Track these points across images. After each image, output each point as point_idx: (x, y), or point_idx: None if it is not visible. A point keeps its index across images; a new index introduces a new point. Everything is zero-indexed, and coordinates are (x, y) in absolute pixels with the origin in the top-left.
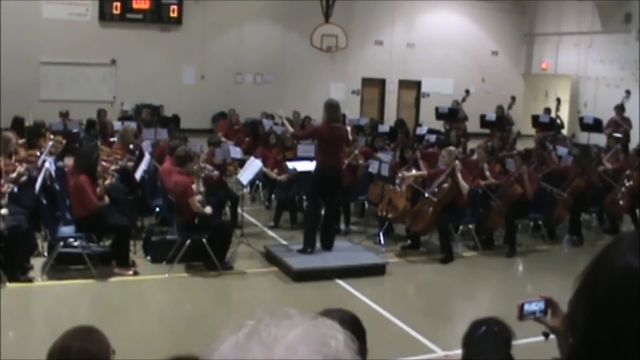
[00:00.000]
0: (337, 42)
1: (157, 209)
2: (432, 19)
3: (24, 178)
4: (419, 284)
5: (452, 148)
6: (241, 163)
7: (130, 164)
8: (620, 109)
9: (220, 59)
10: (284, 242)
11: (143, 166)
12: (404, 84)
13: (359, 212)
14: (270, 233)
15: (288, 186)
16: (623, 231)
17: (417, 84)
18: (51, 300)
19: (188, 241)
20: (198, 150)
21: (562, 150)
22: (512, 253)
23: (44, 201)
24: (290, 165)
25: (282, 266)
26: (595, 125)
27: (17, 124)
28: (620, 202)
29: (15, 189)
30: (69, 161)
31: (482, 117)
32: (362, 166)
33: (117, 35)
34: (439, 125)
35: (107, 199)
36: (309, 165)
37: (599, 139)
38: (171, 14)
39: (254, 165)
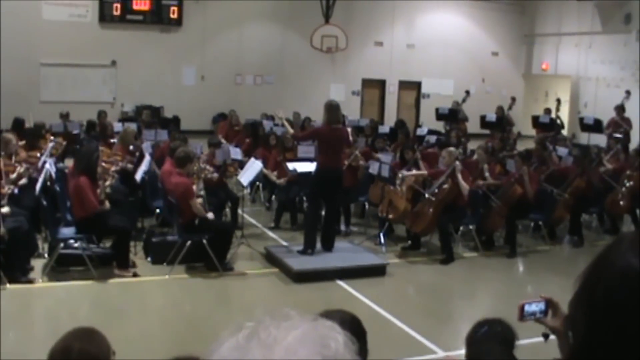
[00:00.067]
0: (337, 43)
1: (158, 210)
2: (432, 19)
3: (24, 180)
4: (419, 285)
5: (452, 149)
6: (241, 164)
7: (130, 165)
8: (620, 109)
9: (220, 59)
10: (285, 243)
11: (143, 167)
12: (404, 85)
13: (359, 213)
14: (271, 234)
15: (288, 187)
16: (623, 231)
17: (417, 85)
18: (52, 302)
19: (188, 242)
20: (198, 152)
21: (562, 151)
22: (512, 254)
23: (45, 202)
24: (291, 166)
25: (283, 267)
26: (596, 126)
27: (18, 125)
28: (621, 203)
29: (16, 190)
30: (69, 162)
31: (483, 117)
32: (362, 167)
33: (117, 37)
34: (439, 126)
35: (107, 204)
36: (309, 166)
37: (599, 140)
38: (171, 15)
39: (254, 167)
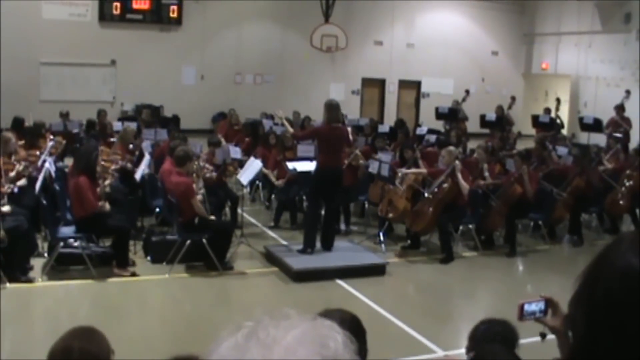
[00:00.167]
0: (337, 42)
1: (157, 210)
2: (432, 19)
3: (23, 181)
4: (419, 284)
5: (452, 148)
6: (241, 163)
7: (130, 165)
8: (620, 108)
9: (220, 59)
10: (284, 243)
11: (143, 166)
12: (404, 84)
13: (359, 212)
14: (270, 233)
15: (288, 186)
16: (623, 231)
17: (417, 84)
18: (51, 301)
19: (188, 241)
20: (198, 151)
21: (562, 150)
22: (512, 253)
23: (44, 202)
24: (290, 165)
25: (282, 266)
26: (595, 125)
27: (17, 125)
28: (621, 202)
29: (16, 190)
30: (69, 162)
31: (482, 117)
32: (362, 166)
33: (117, 36)
34: (439, 126)
35: (107, 206)
36: (309, 166)
37: (599, 139)
38: (171, 15)
39: (254, 166)
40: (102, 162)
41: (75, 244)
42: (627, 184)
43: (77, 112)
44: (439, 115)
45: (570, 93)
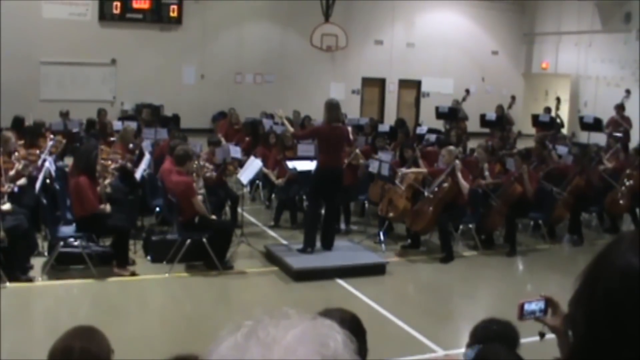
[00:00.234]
0: (337, 42)
1: (157, 209)
2: (432, 18)
3: (23, 180)
4: (419, 284)
5: (452, 147)
6: (241, 163)
7: (129, 165)
8: (620, 108)
9: (220, 58)
10: (284, 242)
11: (143, 166)
12: (404, 84)
13: (359, 212)
14: (271, 233)
15: (288, 186)
16: (623, 231)
17: (417, 84)
18: (51, 300)
19: (188, 241)
20: (198, 150)
21: (562, 149)
22: (512, 252)
23: (44, 201)
24: (291, 164)
25: (283, 266)
26: (595, 125)
27: (17, 124)
28: (621, 202)
29: (16, 189)
30: (69, 161)
31: (482, 116)
32: (362, 166)
33: (117, 35)
34: (439, 125)
35: (108, 208)
36: (309, 165)
37: (599, 139)
38: (171, 14)
39: (254, 165)
40: (102, 161)
41: (76, 243)
42: (627, 183)
43: (77, 112)
44: (439, 114)
45: (570, 92)
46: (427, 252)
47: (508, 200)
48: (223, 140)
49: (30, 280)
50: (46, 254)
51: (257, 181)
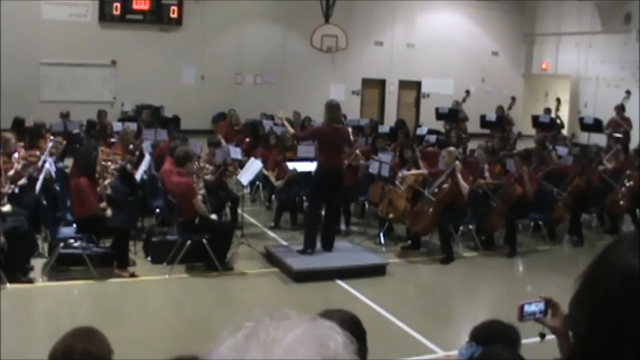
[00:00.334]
0: (337, 43)
1: (158, 210)
2: (432, 19)
3: (23, 180)
4: (419, 285)
5: (452, 148)
6: (241, 164)
7: (129, 166)
8: (620, 109)
9: (220, 59)
10: (285, 243)
11: (143, 167)
12: (404, 85)
13: (359, 213)
14: (271, 234)
15: (288, 187)
16: (623, 231)
17: (417, 85)
18: (52, 301)
19: (188, 242)
20: (198, 151)
21: (562, 150)
22: (512, 253)
23: (45, 202)
24: (291, 165)
25: (283, 267)
26: (596, 126)
27: (18, 125)
28: (621, 202)
29: (17, 190)
30: (69, 162)
31: (483, 117)
32: (362, 166)
33: (117, 36)
34: (439, 126)
35: (109, 212)
36: (309, 166)
37: (599, 139)
38: (171, 15)
39: (254, 166)
40: (102, 162)
41: (76, 244)
42: (627, 184)
43: (77, 113)
44: (439, 115)
45: (571, 93)
46: (428, 253)
47: (508, 201)
48: (223, 141)
49: (30, 281)
50: (46, 255)
51: (257, 182)
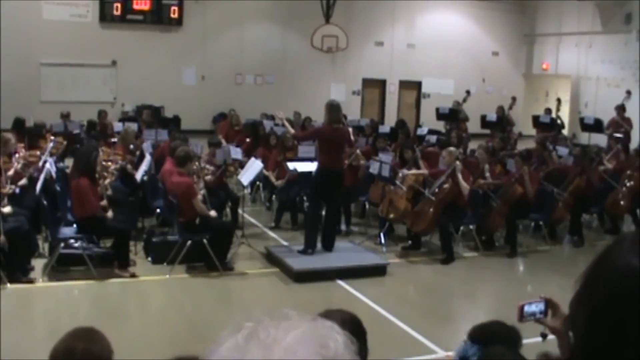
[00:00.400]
0: (338, 43)
1: (158, 210)
2: (433, 19)
3: (24, 181)
4: (419, 285)
5: (452, 149)
6: (242, 164)
7: (129, 166)
8: (620, 109)
9: (220, 59)
10: (285, 243)
11: (144, 167)
12: (404, 85)
13: (359, 213)
14: (271, 234)
15: (289, 187)
16: (624, 231)
17: (418, 85)
18: (52, 301)
19: (189, 242)
20: (199, 151)
21: (562, 150)
22: (512, 253)
23: (45, 202)
24: (291, 165)
25: (283, 267)
26: (596, 126)
27: (18, 125)
28: (621, 203)
29: (17, 190)
30: (70, 162)
31: (483, 117)
32: (363, 167)
33: (117, 36)
34: (440, 126)
35: (110, 214)
36: (309, 166)
37: (600, 139)
38: (171, 15)
39: (254, 166)
40: (102, 162)
41: (76, 244)
42: (628, 184)
43: (77, 113)
44: (440, 115)
45: (571, 93)
46: (428, 253)
47: (508, 201)
48: (223, 141)
49: (30, 281)
50: (47, 255)
51: (258, 182)
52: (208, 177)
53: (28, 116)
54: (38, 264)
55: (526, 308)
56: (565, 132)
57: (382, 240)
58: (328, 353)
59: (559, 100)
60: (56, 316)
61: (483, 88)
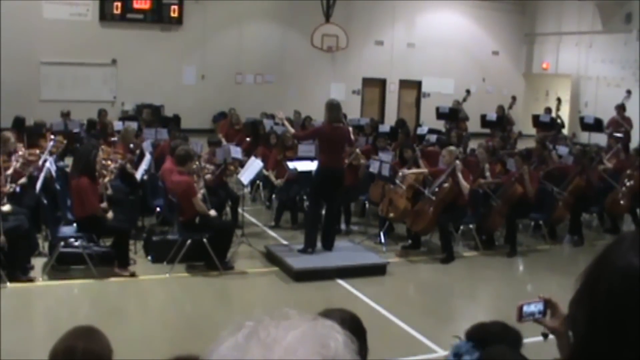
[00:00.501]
0: (338, 42)
1: (158, 209)
2: (433, 19)
3: (23, 180)
4: (419, 284)
5: (452, 148)
6: (242, 163)
7: (129, 166)
8: (621, 108)
9: (220, 58)
10: (285, 242)
11: (144, 166)
12: (404, 84)
13: (359, 212)
14: (271, 233)
15: (289, 186)
16: (624, 231)
17: (418, 84)
18: (52, 300)
19: (189, 241)
20: (199, 150)
21: (562, 150)
22: (512, 253)
23: (45, 201)
24: (291, 165)
25: (283, 266)
26: (596, 125)
27: (18, 124)
28: (621, 202)
29: (17, 189)
30: (70, 161)
31: (483, 117)
32: (363, 166)
33: (117, 36)
34: (440, 125)
35: (110, 215)
36: (309, 165)
37: (600, 139)
38: (172, 14)
39: (254, 165)
40: (102, 161)
41: (76, 243)
42: (628, 183)
43: (77, 112)
44: (440, 115)
45: (571, 93)
46: (428, 253)
47: (508, 201)
48: (223, 140)
49: (30, 280)
50: (47, 254)
51: (258, 181)
52: (208, 176)
53: (28, 115)
54: (38, 262)
55: (525, 308)
56: (565, 131)
57: (382, 240)
58: (328, 352)
59: (559, 100)
60: (56, 315)
61: (483, 87)
